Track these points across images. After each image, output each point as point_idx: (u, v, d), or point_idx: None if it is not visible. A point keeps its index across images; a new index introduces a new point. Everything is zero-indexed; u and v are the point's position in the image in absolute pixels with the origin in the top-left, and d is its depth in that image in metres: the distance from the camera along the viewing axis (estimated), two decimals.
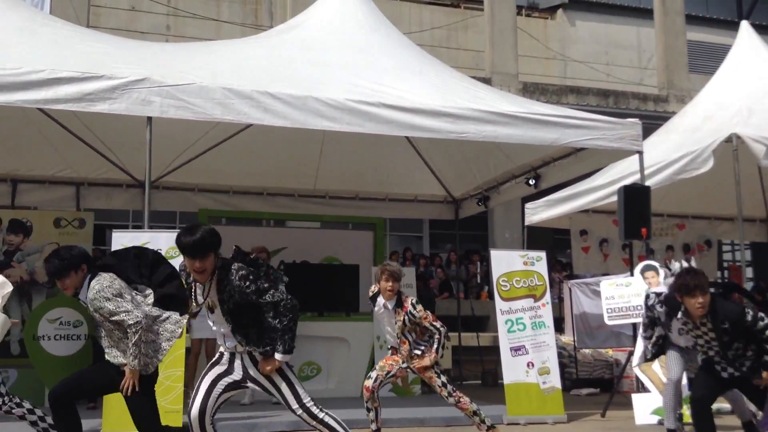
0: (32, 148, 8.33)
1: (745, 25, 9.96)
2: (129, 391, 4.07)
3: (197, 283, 3.87)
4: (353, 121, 6.33)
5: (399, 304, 5.46)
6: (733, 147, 7.55)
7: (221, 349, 4.00)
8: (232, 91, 6.08)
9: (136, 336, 4.01)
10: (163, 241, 5.81)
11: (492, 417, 6.63)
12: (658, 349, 5.40)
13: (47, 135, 8.05)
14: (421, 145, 9.29)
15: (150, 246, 5.68)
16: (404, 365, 5.54)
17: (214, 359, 4.03)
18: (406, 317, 5.45)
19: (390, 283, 5.45)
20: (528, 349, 6.75)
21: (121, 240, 5.72)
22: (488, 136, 6.68)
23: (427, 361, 5.46)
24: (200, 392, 3.93)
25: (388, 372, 5.51)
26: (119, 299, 4.01)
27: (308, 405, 3.98)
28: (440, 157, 9.56)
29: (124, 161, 8.76)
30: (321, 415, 4.00)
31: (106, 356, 4.17)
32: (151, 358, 4.17)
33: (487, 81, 12.18)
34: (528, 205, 10.48)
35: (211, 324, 3.96)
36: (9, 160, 8.41)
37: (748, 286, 8.18)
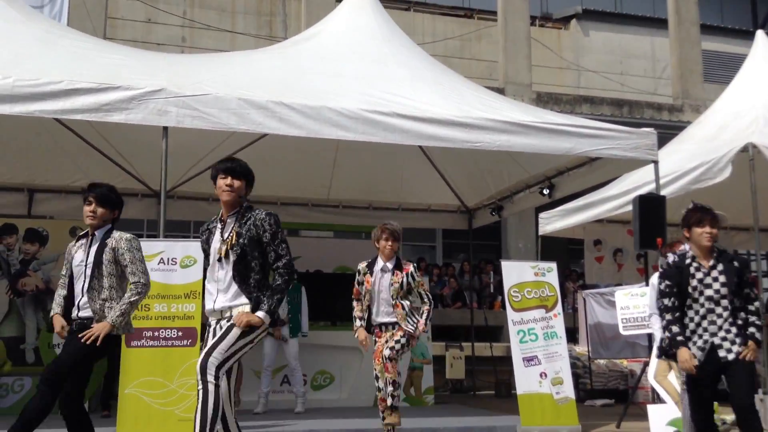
0: (49, 158, 8.42)
1: (760, 34, 9.91)
2: (90, 340, 4.03)
3: (219, 223, 3.99)
4: (367, 130, 6.35)
5: (398, 266, 5.59)
6: (749, 156, 7.50)
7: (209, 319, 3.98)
8: (248, 102, 6.12)
9: (138, 296, 4.19)
10: (179, 250, 5.85)
11: (505, 427, 6.64)
12: (680, 328, 4.43)
13: (64, 145, 8.14)
14: (434, 155, 9.30)
15: (165, 255, 5.77)
16: (398, 342, 5.48)
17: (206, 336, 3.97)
18: (405, 279, 5.55)
19: (390, 243, 5.56)
20: (540, 359, 6.72)
21: None
22: (502, 145, 6.68)
23: (418, 332, 5.58)
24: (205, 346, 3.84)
25: (387, 370, 5.45)
26: (143, 257, 4.36)
27: (217, 366, 3.71)
28: (454, 167, 9.56)
29: (140, 171, 8.83)
30: (213, 382, 3.69)
31: (77, 311, 4.20)
32: (128, 324, 4.30)
33: (500, 91, 12.19)
34: (542, 215, 10.45)
35: (214, 283, 3.92)
36: (26, 170, 8.50)
37: (765, 296, 8.09)
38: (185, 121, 5.97)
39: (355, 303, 5.78)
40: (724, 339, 4.33)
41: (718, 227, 4.43)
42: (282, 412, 7.27)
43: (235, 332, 3.78)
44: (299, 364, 7.54)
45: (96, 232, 4.36)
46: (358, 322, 5.72)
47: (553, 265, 7.07)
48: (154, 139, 6.26)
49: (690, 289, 4.40)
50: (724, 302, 4.36)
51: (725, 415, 7.04)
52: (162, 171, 6.05)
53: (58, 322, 4.27)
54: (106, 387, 7.07)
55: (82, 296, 4.20)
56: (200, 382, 3.70)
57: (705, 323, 4.36)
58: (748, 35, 12.65)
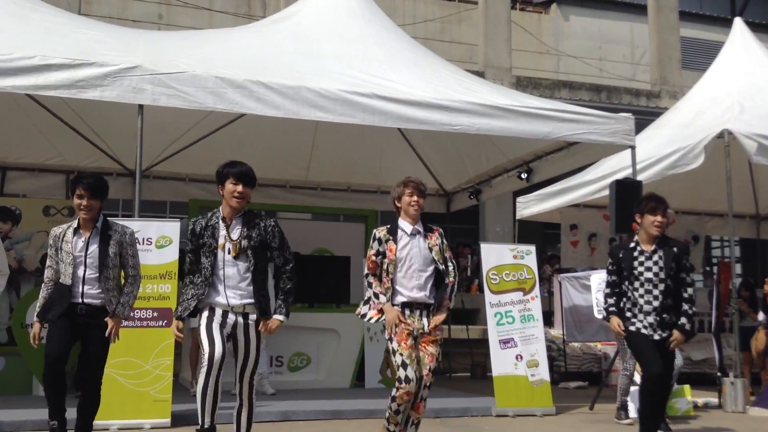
0: (22, 136, 8.27)
1: (738, 22, 9.99)
2: (114, 336, 4.35)
3: (224, 222, 4.15)
4: (346, 111, 6.31)
5: (428, 228, 4.61)
6: (724, 143, 7.58)
7: (213, 306, 4.14)
8: (225, 80, 6.05)
9: (136, 287, 4.47)
10: (154, 230, 5.80)
11: (481, 409, 6.69)
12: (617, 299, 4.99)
13: (37, 123, 7.99)
14: (413, 138, 9.28)
15: (140, 235, 5.70)
16: (422, 328, 4.48)
17: (207, 315, 4.12)
18: (441, 241, 4.60)
19: (415, 198, 4.52)
20: (517, 341, 6.77)
21: None
22: (481, 128, 6.68)
23: (443, 314, 4.60)
24: (216, 337, 4.04)
25: (418, 356, 4.44)
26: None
27: (255, 380, 4.28)
28: (432, 150, 9.55)
29: (115, 150, 8.71)
30: (254, 396, 4.28)
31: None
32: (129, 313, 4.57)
33: (480, 74, 12.17)
34: (519, 199, 10.49)
35: (220, 276, 4.09)
36: None
37: (737, 282, 8.22)
38: (161, 100, 5.89)
39: (372, 279, 4.57)
40: (656, 319, 4.82)
41: (666, 218, 4.86)
42: (257, 393, 7.25)
43: (257, 342, 4.22)
44: (265, 346, 7.48)
45: (96, 224, 4.38)
46: (382, 298, 4.49)
47: (532, 248, 7.10)
48: (129, 118, 6.17)
49: (633, 270, 4.87)
50: (661, 286, 4.80)
51: (696, 398, 7.17)
52: (137, 150, 5.97)
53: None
54: (80, 368, 7.00)
55: (85, 285, 4.31)
56: (249, 394, 4.23)
57: (642, 302, 4.85)
58: (726, 23, 12.73)
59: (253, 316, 4.17)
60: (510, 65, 14.08)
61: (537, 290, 6.97)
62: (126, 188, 9.04)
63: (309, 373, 7.96)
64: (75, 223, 4.40)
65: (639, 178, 7.37)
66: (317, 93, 6.25)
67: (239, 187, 4.10)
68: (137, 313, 5.56)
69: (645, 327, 4.84)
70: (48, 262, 4.42)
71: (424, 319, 4.52)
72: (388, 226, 4.62)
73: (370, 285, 4.56)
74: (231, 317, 4.13)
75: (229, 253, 4.09)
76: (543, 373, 6.79)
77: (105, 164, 8.88)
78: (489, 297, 6.85)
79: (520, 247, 7.07)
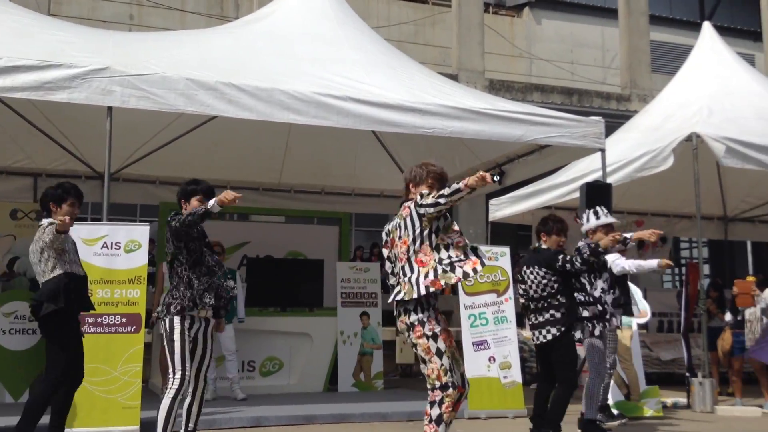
0: None
1: (707, 26, 10.14)
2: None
3: None
4: (320, 114, 6.29)
5: None
6: (692, 146, 7.68)
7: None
8: (196, 82, 5.98)
9: None
10: (122, 235, 5.71)
11: None
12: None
13: (4, 125, 7.84)
14: (387, 140, 9.27)
15: (108, 239, 5.62)
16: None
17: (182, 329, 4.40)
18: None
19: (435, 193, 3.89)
20: (490, 343, 6.80)
21: (78, 233, 5.59)
22: (455, 131, 6.69)
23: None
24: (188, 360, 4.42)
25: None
26: None
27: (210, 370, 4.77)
28: (406, 152, 9.55)
29: (84, 152, 8.58)
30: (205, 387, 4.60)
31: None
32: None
33: (453, 77, 12.21)
34: (492, 201, 10.54)
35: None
36: None
37: (706, 282, 8.34)
38: (130, 102, 5.81)
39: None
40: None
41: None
42: (228, 399, 7.19)
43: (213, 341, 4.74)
44: (236, 350, 7.43)
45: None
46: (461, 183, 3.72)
47: (506, 250, 7.14)
48: (98, 120, 6.08)
49: None
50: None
51: (665, 398, 7.26)
52: (106, 152, 5.88)
53: None
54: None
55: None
56: (198, 387, 4.51)
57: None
58: (696, 27, 12.93)
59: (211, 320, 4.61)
60: (483, 68, 14.15)
61: (511, 292, 7.00)
62: (95, 191, 8.90)
63: (281, 378, 7.91)
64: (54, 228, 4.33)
65: (609, 180, 7.45)
66: (290, 95, 6.21)
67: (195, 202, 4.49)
68: (105, 318, 5.48)
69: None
70: (57, 264, 4.39)
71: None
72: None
73: (452, 193, 3.70)
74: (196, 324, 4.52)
75: None
76: (515, 375, 6.83)
77: (74, 167, 8.74)
78: (463, 299, 6.87)
79: (494, 249, 7.10)
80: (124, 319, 5.55)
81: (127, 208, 11.83)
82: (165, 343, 4.44)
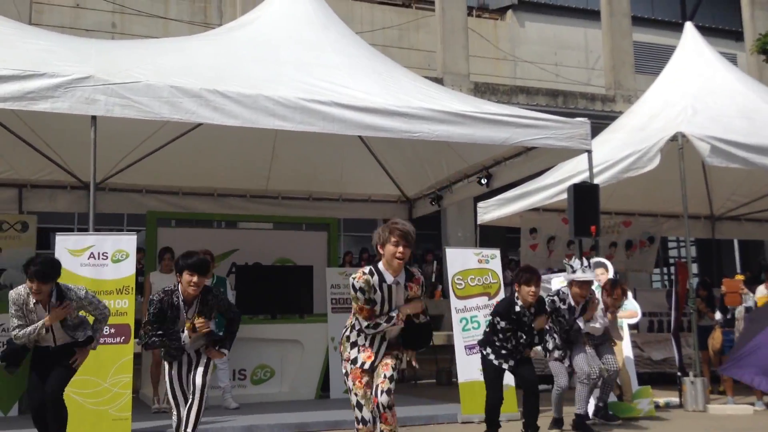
0: None
1: (689, 26, 10.21)
2: (79, 365, 4.88)
3: (182, 300, 4.69)
4: (305, 120, 6.26)
5: (410, 276, 4.15)
6: (678, 145, 7.72)
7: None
8: (180, 90, 5.94)
9: (104, 323, 4.96)
10: (109, 244, 5.66)
11: (447, 416, 6.68)
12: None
13: None
14: (374, 145, 9.26)
15: (95, 249, 5.57)
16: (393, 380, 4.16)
17: (170, 371, 4.74)
18: (422, 290, 4.22)
19: (401, 249, 4.00)
20: None
21: (64, 243, 5.55)
22: (441, 135, 6.69)
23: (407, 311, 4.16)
24: (181, 398, 4.72)
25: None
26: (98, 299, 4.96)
27: (205, 386, 4.71)
28: (393, 157, 9.55)
29: (69, 162, 8.51)
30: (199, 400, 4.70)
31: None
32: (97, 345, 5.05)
33: (439, 81, 12.23)
34: (480, 204, 10.55)
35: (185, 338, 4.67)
36: None
37: (695, 281, 8.37)
38: (115, 110, 5.76)
39: (371, 324, 4.12)
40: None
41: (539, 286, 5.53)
42: (220, 408, 7.13)
43: (207, 364, 4.83)
44: (227, 359, 7.36)
45: (50, 297, 4.71)
46: (390, 315, 4.10)
47: (497, 252, 7.13)
48: (82, 129, 6.03)
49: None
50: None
51: (657, 398, 7.28)
52: (91, 162, 5.83)
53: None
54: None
55: (55, 334, 4.83)
56: (196, 400, 4.66)
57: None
58: (678, 27, 13.03)
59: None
60: (468, 71, 14.19)
61: (502, 294, 6.98)
62: (80, 201, 8.83)
63: (273, 386, 7.85)
64: (32, 299, 4.63)
65: (596, 181, 7.47)
66: (275, 101, 6.18)
67: (195, 279, 4.63)
68: None
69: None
70: (17, 322, 4.66)
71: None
72: (366, 271, 4.09)
73: (376, 326, 4.09)
74: (185, 358, 4.79)
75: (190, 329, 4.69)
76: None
77: (58, 177, 8.67)
78: (454, 302, 6.85)
79: (484, 252, 7.08)
80: (112, 330, 5.49)
81: (114, 218, 11.74)
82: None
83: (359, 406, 4.06)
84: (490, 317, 5.73)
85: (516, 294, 5.55)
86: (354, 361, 4.14)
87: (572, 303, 6.20)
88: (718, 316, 8.37)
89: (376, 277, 4.06)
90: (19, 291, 4.65)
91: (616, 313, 6.58)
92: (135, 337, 5.68)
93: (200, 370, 4.73)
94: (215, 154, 8.76)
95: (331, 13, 8.19)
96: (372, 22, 15.57)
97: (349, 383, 4.12)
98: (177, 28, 13.50)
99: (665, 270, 17.64)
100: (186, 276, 4.66)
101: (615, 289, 6.41)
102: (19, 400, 6.64)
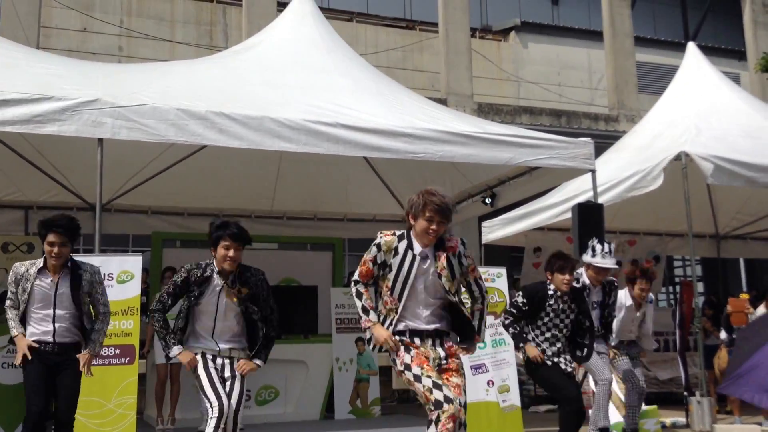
0: None
1: (691, 46, 10.27)
2: (87, 370, 4.53)
3: (218, 274, 4.31)
4: (310, 141, 6.30)
5: (440, 244, 3.74)
6: (682, 165, 7.73)
7: (202, 351, 4.36)
8: (186, 112, 6.00)
9: (106, 323, 4.65)
10: (115, 265, 5.68)
11: None
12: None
13: None
14: (378, 165, 9.30)
15: (102, 270, 5.58)
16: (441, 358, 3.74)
17: (202, 362, 4.31)
18: (456, 262, 3.74)
19: (433, 226, 3.64)
20: (488, 367, 6.75)
21: None
22: (445, 155, 6.72)
23: (471, 350, 3.94)
24: (220, 391, 4.22)
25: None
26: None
27: (239, 412, 4.33)
28: (398, 177, 9.58)
29: (75, 184, 8.57)
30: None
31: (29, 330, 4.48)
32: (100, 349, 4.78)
33: (442, 102, 12.29)
34: (485, 224, 10.56)
35: (211, 324, 4.32)
36: None
37: (700, 300, 8.35)
38: (121, 133, 5.82)
39: (362, 288, 3.81)
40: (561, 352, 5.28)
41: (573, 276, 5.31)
42: None
43: (242, 381, 4.37)
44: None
45: (66, 265, 4.51)
46: (372, 315, 3.77)
47: (503, 271, 7.12)
48: (89, 151, 6.07)
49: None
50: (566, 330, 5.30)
51: (664, 418, 7.22)
52: (98, 184, 5.88)
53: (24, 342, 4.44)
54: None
55: (56, 323, 4.48)
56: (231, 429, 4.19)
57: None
58: (680, 47, 13.08)
59: (236, 358, 4.42)
60: (471, 92, 14.25)
61: None
62: (87, 222, 8.80)
63: (277, 407, 7.83)
64: (40, 263, 4.33)
65: (600, 200, 7.48)
66: (281, 123, 6.23)
67: (232, 252, 4.27)
68: None
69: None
70: (10, 300, 4.45)
71: (439, 349, 3.78)
72: (398, 233, 3.77)
73: (359, 296, 3.77)
74: (219, 361, 4.36)
75: (222, 305, 4.32)
76: (514, 398, 6.78)
77: (65, 198, 8.72)
78: None
79: (490, 270, 7.07)
80: (117, 351, 5.50)
81: (119, 239, 11.77)
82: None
83: (437, 386, 3.56)
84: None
85: (549, 281, 5.33)
86: (408, 349, 3.69)
87: (586, 282, 5.94)
88: (723, 335, 8.34)
89: (404, 242, 3.70)
90: (23, 262, 4.48)
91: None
92: (140, 358, 5.69)
93: (235, 397, 4.26)
94: (220, 175, 8.82)
95: (336, 36, 8.27)
96: (376, 44, 15.69)
97: (416, 370, 3.62)
98: (183, 51, 13.63)
99: (671, 289, 17.57)
100: (221, 249, 4.25)
101: (643, 278, 6.24)
102: (24, 420, 6.62)
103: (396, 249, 3.70)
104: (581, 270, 6.00)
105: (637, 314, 6.41)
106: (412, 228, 3.75)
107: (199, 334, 4.39)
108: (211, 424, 4.15)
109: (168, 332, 4.33)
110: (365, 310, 3.78)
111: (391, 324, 3.75)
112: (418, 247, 3.73)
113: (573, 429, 5.11)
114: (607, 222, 7.39)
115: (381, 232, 3.79)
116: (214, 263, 4.36)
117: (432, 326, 3.77)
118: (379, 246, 3.74)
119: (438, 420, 3.54)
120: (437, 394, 3.55)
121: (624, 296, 6.40)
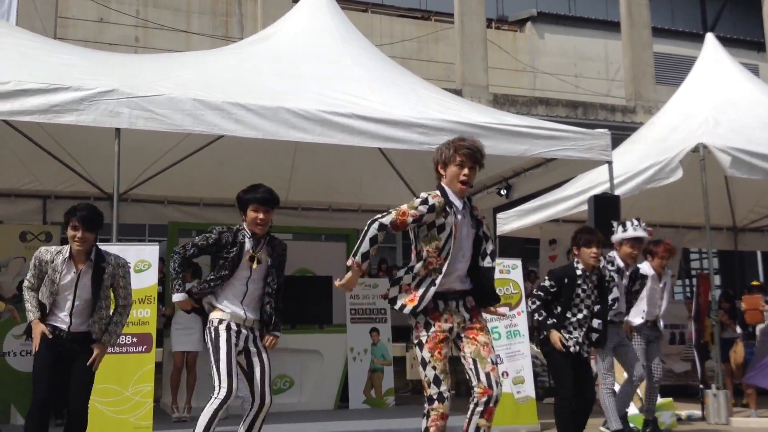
0: None
1: (710, 37, 10.17)
2: (97, 365, 4.39)
3: (249, 239, 4.28)
4: (325, 132, 6.31)
5: (471, 209, 3.71)
6: (700, 157, 7.67)
7: (227, 323, 4.25)
8: (203, 103, 6.02)
9: (125, 316, 4.53)
10: (132, 255, 5.71)
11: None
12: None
13: (13, 148, 7.90)
14: (393, 156, 9.29)
15: None
16: (468, 323, 3.65)
17: (226, 336, 4.21)
18: (480, 231, 3.69)
19: (465, 171, 3.54)
20: (503, 358, 6.75)
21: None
22: None
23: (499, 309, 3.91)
24: (234, 373, 4.16)
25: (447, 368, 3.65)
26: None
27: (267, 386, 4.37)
28: (413, 168, 9.57)
29: (92, 174, 8.63)
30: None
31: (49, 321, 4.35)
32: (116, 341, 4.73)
33: (458, 92, 12.25)
34: (500, 215, 10.53)
35: (243, 288, 4.28)
36: None
37: (717, 293, 8.28)
38: (138, 123, 5.85)
39: (379, 233, 3.67)
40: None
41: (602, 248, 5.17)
42: (240, 418, 7.15)
43: (268, 354, 4.41)
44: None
45: (89, 256, 4.41)
46: (358, 258, 3.65)
47: (518, 262, 7.10)
48: (106, 141, 6.12)
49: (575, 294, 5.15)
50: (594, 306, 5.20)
51: (680, 411, 7.20)
52: (115, 173, 5.92)
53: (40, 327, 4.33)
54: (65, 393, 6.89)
55: (72, 315, 4.37)
56: (268, 395, 4.36)
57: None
58: (698, 38, 12.96)
59: (258, 330, 4.41)
60: (487, 83, 14.19)
61: (523, 305, 6.96)
62: (104, 212, 8.87)
63: (292, 396, 7.87)
64: (66, 252, 4.36)
65: (616, 192, 7.44)
66: (296, 113, 6.24)
67: (261, 215, 4.28)
68: None
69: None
70: (29, 281, 4.40)
71: (462, 310, 3.66)
72: (439, 192, 3.59)
73: (373, 238, 3.62)
74: (243, 332, 4.31)
75: (251, 270, 4.27)
76: (528, 389, 6.78)
77: (82, 188, 8.79)
78: None
79: (506, 262, 7.05)
80: (135, 339, 5.55)
81: (136, 229, 11.87)
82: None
83: (437, 381, 3.53)
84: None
85: (576, 260, 5.16)
86: (428, 326, 3.55)
87: (621, 264, 5.83)
88: (739, 329, 8.28)
89: (444, 200, 3.53)
90: (49, 248, 4.41)
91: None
92: (157, 346, 5.73)
93: (267, 372, 4.31)
94: (236, 165, 8.84)
95: (351, 27, 8.26)
96: (391, 34, 15.65)
97: (425, 354, 3.55)
98: (199, 42, 13.67)
99: (687, 282, 17.46)
100: (251, 212, 4.24)
101: (660, 246, 6.16)
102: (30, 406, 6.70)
103: (444, 209, 3.55)
104: (613, 253, 5.89)
105: (660, 284, 6.38)
106: (442, 179, 3.63)
107: (229, 298, 4.32)
108: (214, 404, 4.09)
109: (179, 275, 4.34)
110: (365, 255, 3.63)
111: (433, 284, 3.55)
112: (458, 202, 3.61)
113: (565, 424, 5.18)
114: (623, 214, 7.34)
115: (425, 193, 3.59)
116: (246, 228, 4.33)
117: (459, 284, 3.65)
118: (432, 207, 3.52)
119: (428, 415, 3.58)
120: (434, 390, 3.55)
121: (647, 267, 6.34)
